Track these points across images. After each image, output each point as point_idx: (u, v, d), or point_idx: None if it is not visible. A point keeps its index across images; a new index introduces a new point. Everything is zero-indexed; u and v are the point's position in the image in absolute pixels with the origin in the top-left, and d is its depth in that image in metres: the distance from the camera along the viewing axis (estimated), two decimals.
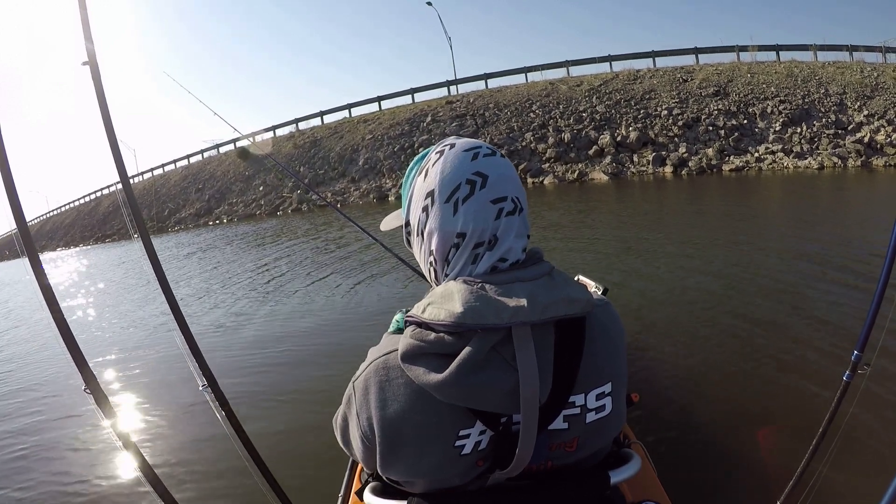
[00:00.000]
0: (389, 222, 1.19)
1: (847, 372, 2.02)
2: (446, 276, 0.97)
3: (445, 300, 0.85)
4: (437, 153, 0.98)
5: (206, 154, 34.95)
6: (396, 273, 7.85)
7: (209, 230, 22.47)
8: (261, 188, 26.53)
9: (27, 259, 1.74)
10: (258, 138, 29.74)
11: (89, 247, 29.45)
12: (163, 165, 37.25)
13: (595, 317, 0.96)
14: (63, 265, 20.49)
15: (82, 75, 1.96)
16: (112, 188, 39.69)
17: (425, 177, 0.97)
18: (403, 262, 3.44)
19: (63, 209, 44.70)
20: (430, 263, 0.99)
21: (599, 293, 2.17)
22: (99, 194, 40.93)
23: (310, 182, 24.68)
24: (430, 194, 0.94)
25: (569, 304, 0.86)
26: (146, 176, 37.69)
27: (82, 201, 42.70)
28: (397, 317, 1.07)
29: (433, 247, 0.96)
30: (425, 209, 0.95)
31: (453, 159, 0.95)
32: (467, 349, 0.80)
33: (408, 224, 1.03)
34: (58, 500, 3.36)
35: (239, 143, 30.09)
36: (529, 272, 0.90)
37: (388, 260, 8.41)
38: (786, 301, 4.94)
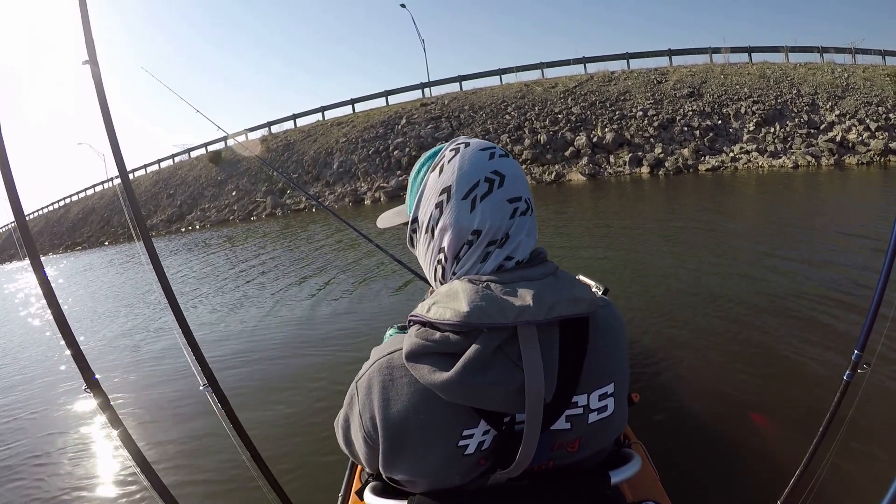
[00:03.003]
0: (389, 219, 1.19)
1: (847, 371, 2.01)
2: (454, 274, 0.96)
3: (450, 299, 0.84)
4: (451, 150, 0.98)
5: (177, 159, 34.46)
6: (394, 275, 7.84)
7: (182, 236, 22.03)
8: (233, 193, 26.13)
9: (27, 258, 1.75)
10: (240, 139, 29.23)
11: (59, 255, 28.77)
12: (133, 171, 36.51)
13: (598, 317, 0.96)
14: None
15: (82, 75, 2.02)
16: (82, 194, 39.08)
17: (440, 173, 0.96)
18: (400, 263, 3.50)
19: (30, 217, 43.73)
20: (439, 261, 0.98)
21: (600, 293, 2.09)
22: (68, 201, 40.18)
23: (284, 186, 24.40)
24: (447, 190, 0.94)
25: (573, 304, 0.86)
26: (116, 181, 36.87)
27: (50, 209, 41.86)
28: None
29: (445, 243, 0.95)
30: (439, 205, 0.95)
31: (471, 156, 0.95)
32: (473, 348, 0.80)
33: (415, 221, 1.02)
34: (56, 500, 3.38)
35: (228, 143, 29.53)
36: (535, 271, 0.91)
37: (385, 262, 8.45)
38: (784, 300, 4.91)
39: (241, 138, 29.48)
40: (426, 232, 0.99)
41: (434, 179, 0.97)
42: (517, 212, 0.93)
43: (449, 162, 0.96)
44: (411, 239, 1.05)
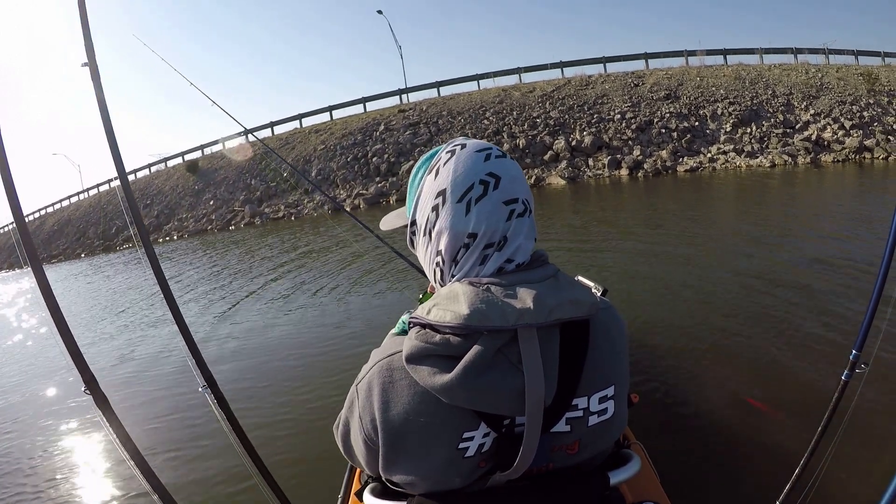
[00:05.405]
0: (391, 221, 1.18)
1: (846, 371, 2.02)
2: (453, 276, 0.96)
3: (451, 302, 0.85)
4: (447, 152, 0.98)
5: (153, 168, 34.09)
6: (394, 275, 7.84)
7: (160, 246, 21.57)
8: (211, 202, 25.79)
9: (26, 259, 1.77)
10: (236, 143, 28.87)
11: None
12: (108, 181, 35.98)
13: (599, 319, 0.96)
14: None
15: (82, 76, 2.03)
16: (57, 205, 38.56)
17: (436, 175, 0.96)
18: (405, 260, 3.51)
19: (5, 229, 42.86)
20: (437, 264, 0.98)
21: (599, 293, 2.09)
22: (43, 212, 39.58)
23: (261, 195, 24.20)
24: (442, 193, 0.94)
25: (574, 307, 0.86)
26: (92, 192, 36.48)
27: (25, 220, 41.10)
28: (403, 317, 1.03)
29: (442, 246, 0.95)
30: (435, 208, 0.95)
31: (466, 159, 0.95)
32: (474, 351, 0.80)
33: (413, 223, 1.02)
34: (55, 500, 3.41)
35: (235, 141, 29.03)
36: (535, 274, 0.90)
37: (384, 262, 8.52)
38: (782, 300, 4.93)
39: (233, 143, 29.28)
40: (424, 235, 0.99)
41: (430, 182, 0.97)
42: (514, 214, 0.92)
43: (444, 164, 0.96)
44: (411, 241, 1.06)
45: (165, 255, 17.15)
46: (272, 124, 30.82)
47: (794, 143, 16.40)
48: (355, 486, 1.66)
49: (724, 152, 16.98)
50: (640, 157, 17.74)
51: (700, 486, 2.61)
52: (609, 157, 18.19)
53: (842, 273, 5.43)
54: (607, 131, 19.68)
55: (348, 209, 20.24)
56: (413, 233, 1.03)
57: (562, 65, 26.37)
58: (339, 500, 1.80)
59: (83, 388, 1.79)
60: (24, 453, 4.18)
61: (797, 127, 17.27)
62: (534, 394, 0.81)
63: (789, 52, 23.83)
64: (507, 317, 0.80)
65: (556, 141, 19.90)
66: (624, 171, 17.58)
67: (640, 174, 17.13)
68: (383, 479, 1.02)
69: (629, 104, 20.87)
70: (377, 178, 21.73)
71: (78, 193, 37.87)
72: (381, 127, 24.67)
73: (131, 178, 34.60)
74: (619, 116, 20.17)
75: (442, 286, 0.99)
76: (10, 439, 4.53)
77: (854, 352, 1.99)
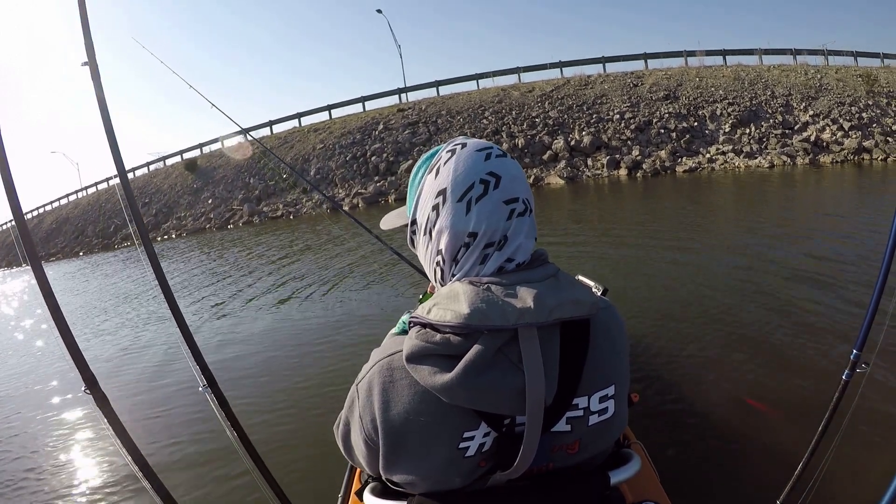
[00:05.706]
0: (391, 221, 1.18)
1: (846, 371, 2.01)
2: (453, 276, 0.96)
3: (451, 301, 0.84)
4: (448, 152, 0.98)
5: (152, 167, 34.04)
6: (391, 273, 7.86)
7: (158, 245, 21.52)
8: (210, 201, 25.79)
9: (28, 260, 1.75)
10: (235, 141, 28.91)
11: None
12: (107, 179, 35.92)
13: (599, 319, 0.96)
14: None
15: (82, 75, 2.00)
16: (56, 203, 38.49)
17: (436, 175, 0.96)
18: (403, 258, 3.47)
19: (2, 228, 42.80)
20: (438, 263, 0.98)
21: (599, 293, 2.11)
22: (42, 210, 39.50)
23: (260, 194, 24.18)
24: (442, 192, 0.93)
25: (575, 306, 0.85)
26: (90, 191, 36.42)
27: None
28: (404, 317, 1.03)
29: (442, 245, 0.95)
30: (436, 207, 0.94)
31: (466, 158, 0.94)
32: (474, 350, 0.80)
33: (414, 223, 1.02)
34: (54, 499, 3.41)
35: (235, 140, 29.01)
36: (535, 273, 0.90)
37: (382, 261, 8.52)
38: (781, 299, 4.92)
39: (232, 142, 29.24)
40: (424, 234, 0.98)
41: (431, 181, 0.96)
42: (514, 213, 0.92)
43: (445, 164, 0.95)
44: (412, 240, 1.05)
45: (163, 254, 17.11)
46: (271, 123, 30.80)
47: (792, 143, 16.43)
48: (355, 486, 1.66)
49: (723, 153, 17.01)
50: (638, 158, 17.77)
51: (700, 486, 2.60)
52: (608, 157, 18.22)
53: (842, 272, 5.41)
54: (606, 131, 19.71)
55: (347, 208, 20.21)
56: (413, 232, 1.03)
57: (561, 65, 26.40)
58: (340, 500, 1.80)
59: (83, 388, 1.79)
60: (22, 451, 4.18)
61: (796, 128, 17.30)
62: (534, 393, 0.80)
63: (788, 53, 23.87)
64: (507, 316, 0.80)
65: (555, 141, 19.92)
66: (623, 172, 17.61)
67: (638, 174, 17.16)
68: (383, 478, 1.02)
69: (628, 104, 20.89)
70: (376, 178, 21.72)
71: (76, 192, 37.80)
72: (380, 126, 24.67)
73: (130, 176, 34.54)
74: (618, 116, 20.20)
75: (442, 286, 0.98)
76: (12, 431, 4.58)
77: (854, 351, 1.97)
